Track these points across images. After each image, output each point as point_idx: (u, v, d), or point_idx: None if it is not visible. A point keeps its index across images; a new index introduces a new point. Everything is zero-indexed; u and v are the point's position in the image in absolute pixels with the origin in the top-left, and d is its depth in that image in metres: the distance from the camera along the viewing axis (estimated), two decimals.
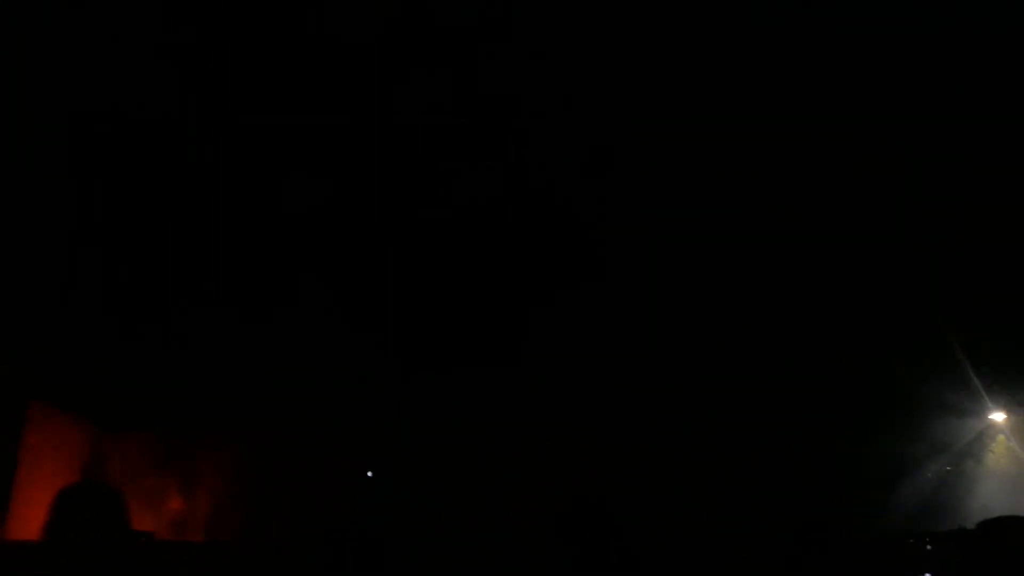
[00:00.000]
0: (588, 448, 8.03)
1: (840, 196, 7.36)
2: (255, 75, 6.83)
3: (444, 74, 7.08)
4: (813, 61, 6.93)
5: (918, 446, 8.39)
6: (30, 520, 6.45)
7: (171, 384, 7.52)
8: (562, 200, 7.71)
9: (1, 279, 6.57)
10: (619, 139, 7.41)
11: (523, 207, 7.69)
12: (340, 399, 8.01)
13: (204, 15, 6.49)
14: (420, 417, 8.05)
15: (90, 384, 7.15)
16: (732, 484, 7.97)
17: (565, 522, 7.45)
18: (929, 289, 7.56)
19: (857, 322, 7.87)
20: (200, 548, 7.44)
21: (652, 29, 6.94)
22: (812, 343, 7.97)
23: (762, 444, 8.10)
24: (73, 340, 6.96)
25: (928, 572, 5.89)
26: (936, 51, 6.71)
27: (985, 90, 6.87)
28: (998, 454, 8.47)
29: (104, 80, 6.51)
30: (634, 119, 7.24)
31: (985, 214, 7.21)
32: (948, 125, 6.97)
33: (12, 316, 6.61)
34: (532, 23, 6.89)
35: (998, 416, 8.59)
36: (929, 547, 6.19)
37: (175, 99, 6.80)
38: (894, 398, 8.08)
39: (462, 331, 8.14)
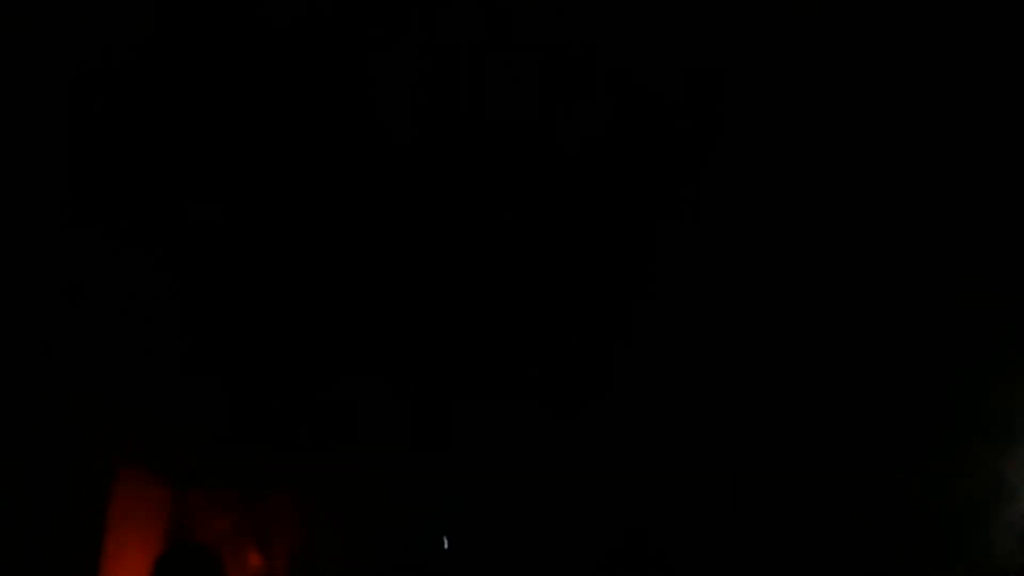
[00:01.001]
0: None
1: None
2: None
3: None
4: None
5: (1014, 476, 8.01)
6: None
7: (245, 441, 7.64)
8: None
9: (80, 344, 6.74)
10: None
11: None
12: (404, 454, 8.04)
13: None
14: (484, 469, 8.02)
15: (171, 444, 7.30)
16: (809, 507, 7.69)
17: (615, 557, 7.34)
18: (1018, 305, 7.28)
19: (951, 334, 7.58)
20: None
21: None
22: (901, 356, 7.69)
23: (842, 467, 7.81)
24: (154, 400, 7.12)
25: None
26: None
27: None
28: None
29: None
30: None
31: None
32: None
33: (92, 377, 6.78)
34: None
35: None
36: None
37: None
38: (991, 417, 7.75)
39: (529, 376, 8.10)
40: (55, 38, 5.98)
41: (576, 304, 7.98)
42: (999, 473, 7.86)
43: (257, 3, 6.19)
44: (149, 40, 6.18)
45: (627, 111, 6.99)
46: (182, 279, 7.13)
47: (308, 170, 7.10)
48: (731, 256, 7.69)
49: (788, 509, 7.58)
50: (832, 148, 7.18)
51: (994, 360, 7.57)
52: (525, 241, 7.70)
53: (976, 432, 7.76)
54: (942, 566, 7.34)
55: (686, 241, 7.70)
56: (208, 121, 6.76)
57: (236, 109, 6.74)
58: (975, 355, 7.59)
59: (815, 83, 6.77)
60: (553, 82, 6.78)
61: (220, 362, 7.50)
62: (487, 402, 7.99)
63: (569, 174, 7.37)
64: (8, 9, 5.63)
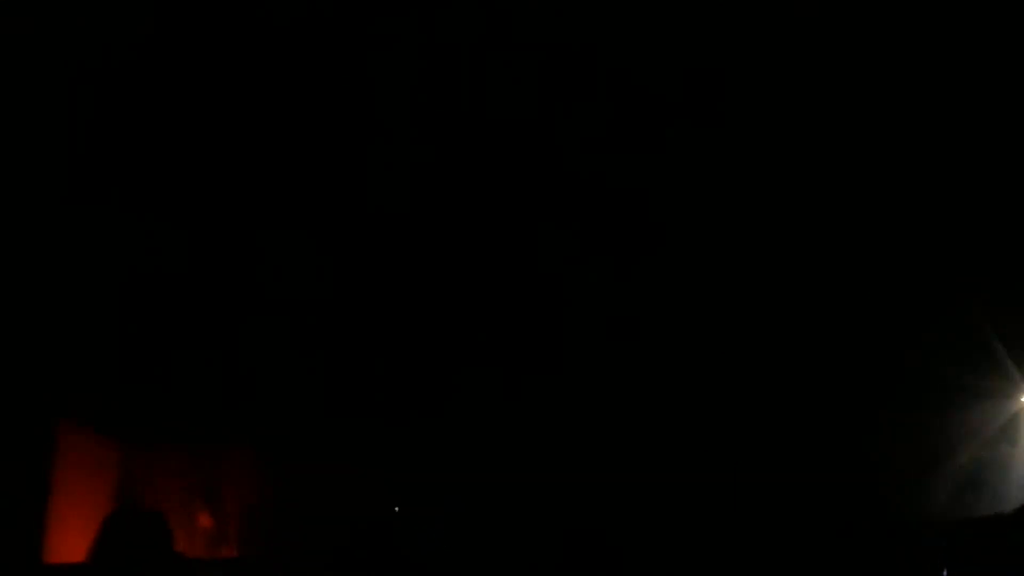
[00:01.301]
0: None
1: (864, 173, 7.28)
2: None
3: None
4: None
5: (951, 433, 8.36)
6: (69, 543, 6.39)
7: (196, 401, 7.49)
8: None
9: (25, 303, 6.53)
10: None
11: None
12: (361, 413, 8.01)
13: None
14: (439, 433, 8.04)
15: (117, 403, 7.11)
16: (750, 477, 7.90)
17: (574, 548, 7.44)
18: (956, 271, 7.54)
19: (882, 307, 7.85)
20: (236, 563, 7.39)
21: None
22: (837, 328, 7.93)
23: (784, 433, 8.04)
24: (100, 359, 6.92)
25: (946, 566, 5.78)
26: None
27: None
28: None
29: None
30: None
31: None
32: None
33: (36, 336, 6.57)
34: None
35: None
36: (944, 543, 6.05)
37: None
38: (923, 385, 8.06)
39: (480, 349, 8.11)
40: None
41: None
42: (940, 432, 8.23)
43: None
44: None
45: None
46: (138, 244, 6.97)
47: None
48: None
49: (753, 472, 7.80)
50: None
51: (934, 345, 7.91)
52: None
53: (920, 397, 8.11)
54: (890, 513, 7.67)
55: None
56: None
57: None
58: (918, 337, 7.92)
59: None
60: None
61: (172, 320, 7.32)
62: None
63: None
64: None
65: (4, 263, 6.23)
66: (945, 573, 5.50)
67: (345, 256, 7.45)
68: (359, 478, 8.11)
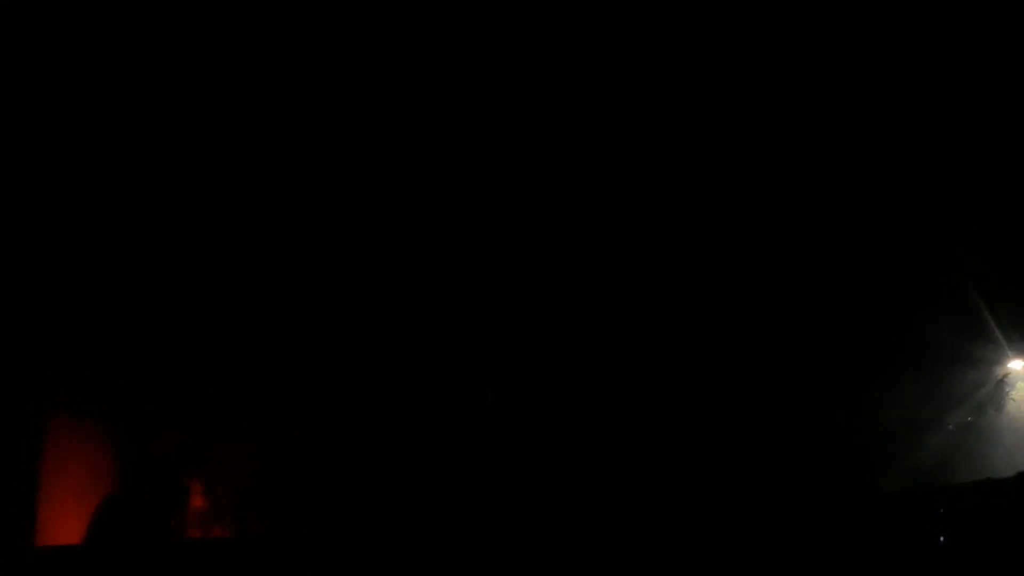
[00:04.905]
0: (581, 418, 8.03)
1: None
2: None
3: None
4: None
5: (937, 398, 8.47)
6: (62, 528, 6.32)
7: (186, 386, 7.41)
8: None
9: (14, 289, 6.44)
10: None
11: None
12: (352, 394, 7.98)
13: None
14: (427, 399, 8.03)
15: (107, 389, 7.01)
16: (736, 445, 7.93)
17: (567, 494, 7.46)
18: (944, 237, 7.58)
19: (869, 273, 7.89)
20: (229, 543, 7.36)
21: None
22: (822, 294, 7.97)
23: (769, 400, 8.07)
24: (88, 346, 6.83)
25: (942, 533, 5.81)
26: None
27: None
28: (1019, 401, 8.60)
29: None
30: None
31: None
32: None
33: (26, 324, 6.47)
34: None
35: (1016, 364, 8.66)
36: (941, 510, 6.11)
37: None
38: (908, 350, 8.14)
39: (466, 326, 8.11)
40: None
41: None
42: (928, 398, 8.36)
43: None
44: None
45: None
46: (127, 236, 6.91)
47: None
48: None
49: (730, 437, 7.85)
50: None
51: (920, 310, 8.01)
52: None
53: (907, 371, 8.23)
54: (879, 479, 7.80)
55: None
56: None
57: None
58: (905, 308, 8.01)
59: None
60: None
61: (163, 308, 7.22)
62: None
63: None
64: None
65: None
66: (942, 539, 5.59)
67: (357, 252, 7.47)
68: (352, 467, 8.06)
